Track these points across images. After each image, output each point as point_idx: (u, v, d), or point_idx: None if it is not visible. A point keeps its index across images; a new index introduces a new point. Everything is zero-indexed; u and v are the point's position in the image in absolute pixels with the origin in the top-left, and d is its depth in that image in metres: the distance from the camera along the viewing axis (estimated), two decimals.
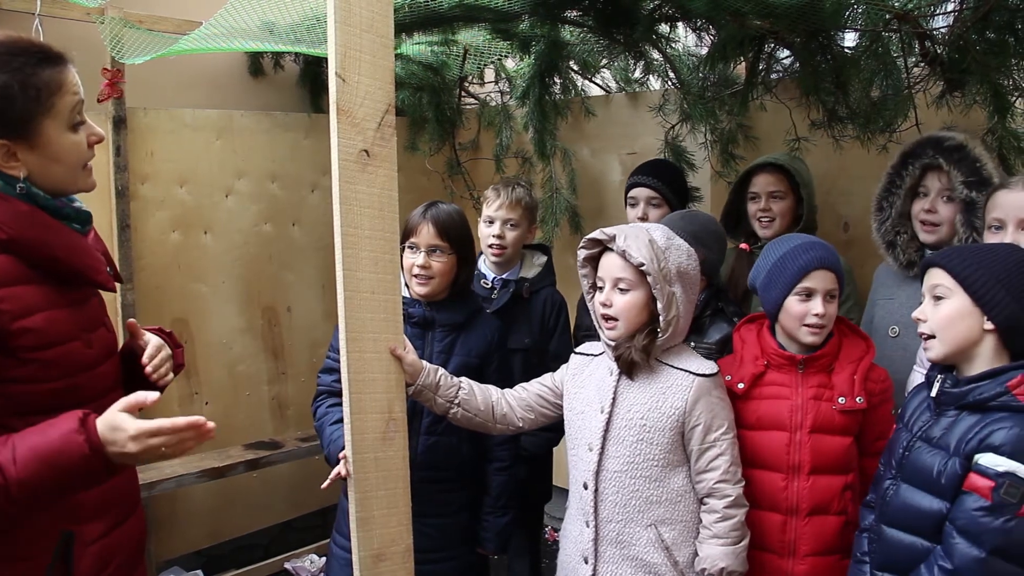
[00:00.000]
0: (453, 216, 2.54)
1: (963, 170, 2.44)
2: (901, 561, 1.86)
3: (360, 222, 1.82)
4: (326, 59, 1.82)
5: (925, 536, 1.82)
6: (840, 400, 2.20)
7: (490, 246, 3.00)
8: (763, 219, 2.94)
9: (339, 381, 1.92)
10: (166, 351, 1.94)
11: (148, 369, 1.87)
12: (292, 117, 4.30)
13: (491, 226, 3.01)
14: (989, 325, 1.79)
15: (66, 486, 1.56)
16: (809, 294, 2.18)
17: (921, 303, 2.49)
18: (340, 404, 1.98)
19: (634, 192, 3.15)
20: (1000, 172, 2.47)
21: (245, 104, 4.27)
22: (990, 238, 2.25)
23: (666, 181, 3.12)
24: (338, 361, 1.89)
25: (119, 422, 1.54)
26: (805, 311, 2.18)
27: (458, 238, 2.52)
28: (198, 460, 3.60)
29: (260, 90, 4.45)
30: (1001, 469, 1.68)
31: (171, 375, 1.95)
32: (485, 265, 3.09)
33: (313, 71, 4.45)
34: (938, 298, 1.85)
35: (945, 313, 1.83)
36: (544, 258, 3.15)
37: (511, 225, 3.00)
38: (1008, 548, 1.67)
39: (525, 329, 3.01)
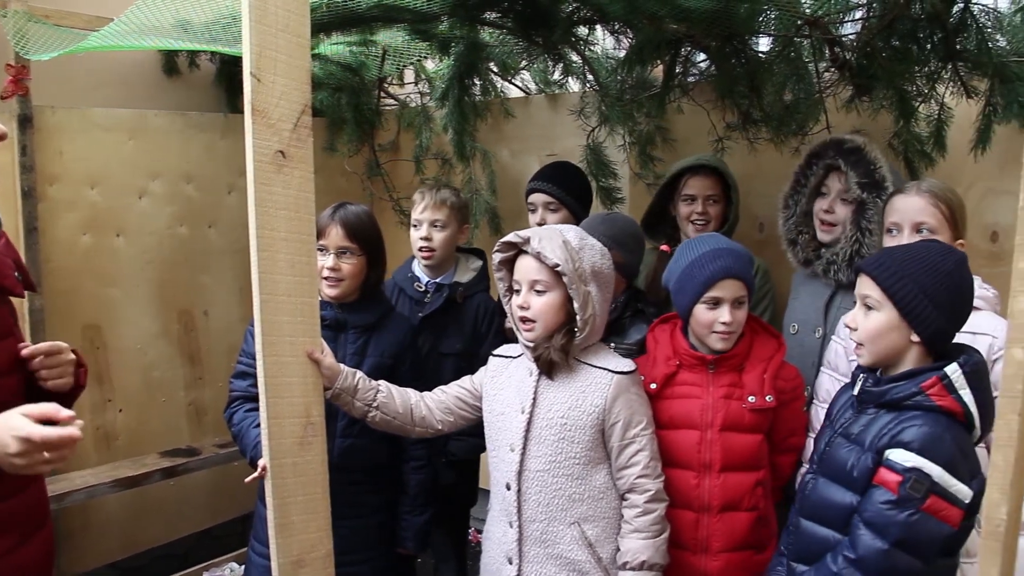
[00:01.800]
0: (362, 217, 2.53)
1: (859, 171, 2.51)
2: (815, 553, 1.89)
3: (276, 224, 1.79)
4: (242, 59, 1.79)
5: (837, 528, 1.86)
6: (750, 399, 2.24)
7: (419, 249, 2.99)
8: (698, 222, 2.96)
9: (254, 386, 1.89)
10: (67, 355, 1.86)
11: (34, 363, 1.78)
12: (208, 117, 4.21)
13: (418, 229, 2.99)
14: (916, 338, 1.83)
15: None
16: (716, 302, 2.23)
17: (819, 302, 2.60)
18: (258, 409, 1.95)
19: (532, 198, 3.15)
20: (895, 175, 2.55)
21: (159, 103, 4.17)
22: (888, 241, 2.32)
23: (563, 185, 3.11)
24: (251, 366, 1.86)
25: (12, 421, 1.49)
26: (713, 319, 2.23)
27: (367, 239, 2.51)
28: (111, 469, 3.51)
29: (175, 89, 4.34)
30: (908, 464, 1.72)
31: (65, 379, 1.85)
32: (419, 268, 3.08)
33: (230, 70, 4.36)
34: (868, 307, 1.88)
35: (873, 326, 1.87)
36: (479, 263, 3.14)
37: (438, 226, 2.98)
38: (910, 541, 1.71)
39: (458, 334, 3.01)
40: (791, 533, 2.01)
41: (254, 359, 1.87)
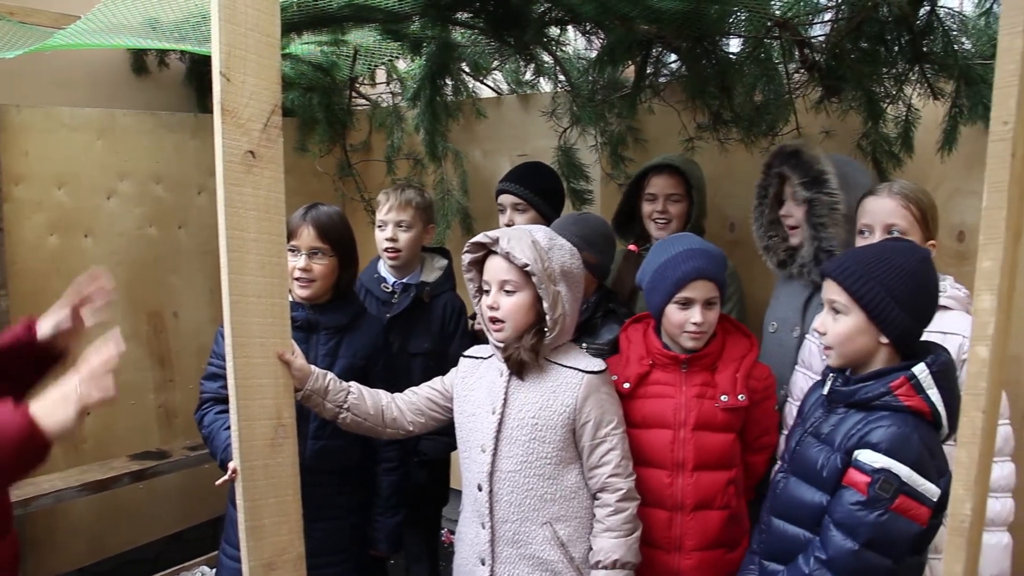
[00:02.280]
0: (334, 218, 2.52)
1: (799, 173, 2.54)
2: (786, 551, 1.91)
3: (246, 225, 1.78)
4: (211, 58, 1.77)
5: (807, 527, 1.87)
6: (723, 398, 2.26)
7: (385, 250, 2.98)
8: (659, 220, 2.96)
9: (225, 387, 1.88)
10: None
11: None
12: (177, 117, 4.17)
13: (384, 229, 2.98)
14: (884, 340, 1.85)
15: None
16: (688, 303, 2.24)
17: (797, 302, 2.62)
18: (228, 411, 1.93)
19: (501, 198, 3.16)
20: (851, 168, 2.57)
21: (128, 103, 4.13)
22: (859, 242, 2.33)
23: (531, 186, 3.11)
24: (221, 367, 1.85)
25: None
26: (685, 319, 2.24)
27: (339, 240, 2.50)
28: (79, 473, 3.47)
29: (144, 89, 4.31)
30: (877, 465, 1.74)
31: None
32: (384, 269, 3.07)
33: (200, 70, 4.34)
34: (836, 311, 1.89)
35: (842, 330, 1.87)
36: (444, 262, 3.14)
37: (404, 227, 2.98)
38: (880, 540, 1.73)
39: (425, 333, 3.00)
40: (763, 532, 2.03)
41: (224, 360, 1.85)
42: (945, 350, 1.86)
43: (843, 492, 1.79)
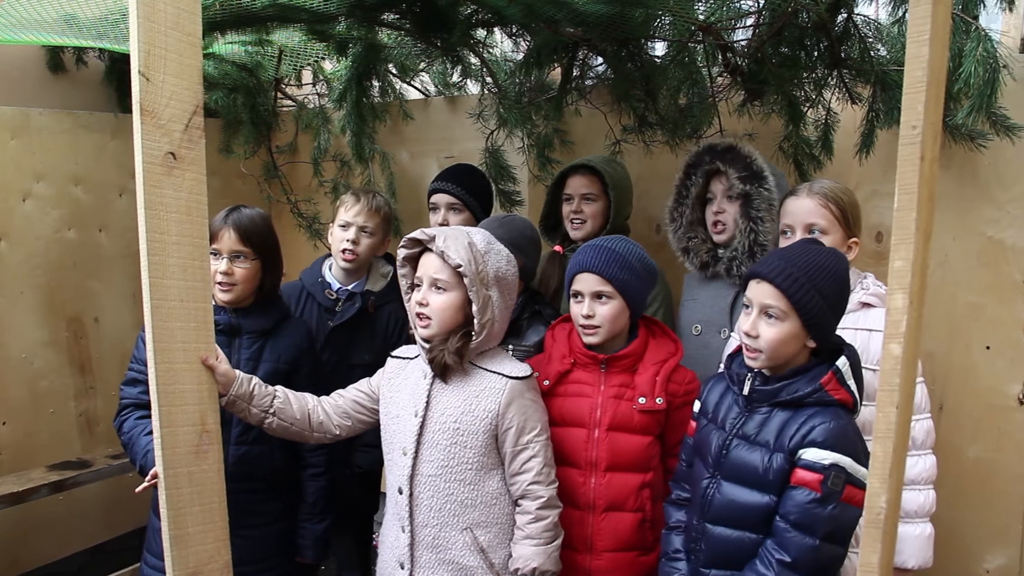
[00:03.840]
0: (256, 220, 2.49)
1: (737, 167, 2.59)
2: (730, 556, 1.92)
3: (167, 228, 1.75)
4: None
5: (751, 529, 1.89)
6: (640, 400, 2.25)
7: (343, 251, 2.94)
8: (575, 221, 2.97)
9: (146, 392, 1.83)
10: None
11: None
12: (97, 117, 4.07)
13: (346, 230, 2.95)
14: (812, 344, 1.89)
15: None
16: (578, 296, 2.27)
17: (723, 303, 2.66)
18: (149, 416, 1.89)
19: (435, 198, 3.16)
20: (771, 166, 2.64)
21: (44, 102, 4.00)
22: (783, 242, 2.37)
23: (467, 187, 3.13)
24: (142, 372, 1.81)
25: None
26: (577, 312, 2.27)
27: (261, 243, 2.47)
28: None
29: (61, 87, 4.17)
30: (827, 462, 1.78)
31: None
32: (330, 273, 3.03)
33: (120, 68, 4.21)
34: (770, 316, 1.88)
35: (777, 336, 1.87)
36: (389, 268, 3.11)
37: (367, 233, 2.96)
38: (836, 532, 1.78)
39: (367, 345, 2.98)
40: (697, 540, 2.01)
41: (146, 365, 1.81)
42: (846, 341, 1.93)
43: (794, 493, 1.81)
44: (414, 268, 2.21)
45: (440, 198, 3.13)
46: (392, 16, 2.92)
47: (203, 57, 1.87)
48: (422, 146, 4.20)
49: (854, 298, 2.23)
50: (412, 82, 4.22)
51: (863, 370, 1.93)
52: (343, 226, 2.97)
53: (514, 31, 3.16)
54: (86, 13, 2.84)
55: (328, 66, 4.34)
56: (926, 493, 2.24)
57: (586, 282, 2.25)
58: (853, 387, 1.86)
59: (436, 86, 4.19)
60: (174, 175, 1.75)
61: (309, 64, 4.19)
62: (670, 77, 3.00)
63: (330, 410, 2.29)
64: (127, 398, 2.45)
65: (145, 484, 2.14)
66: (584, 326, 2.27)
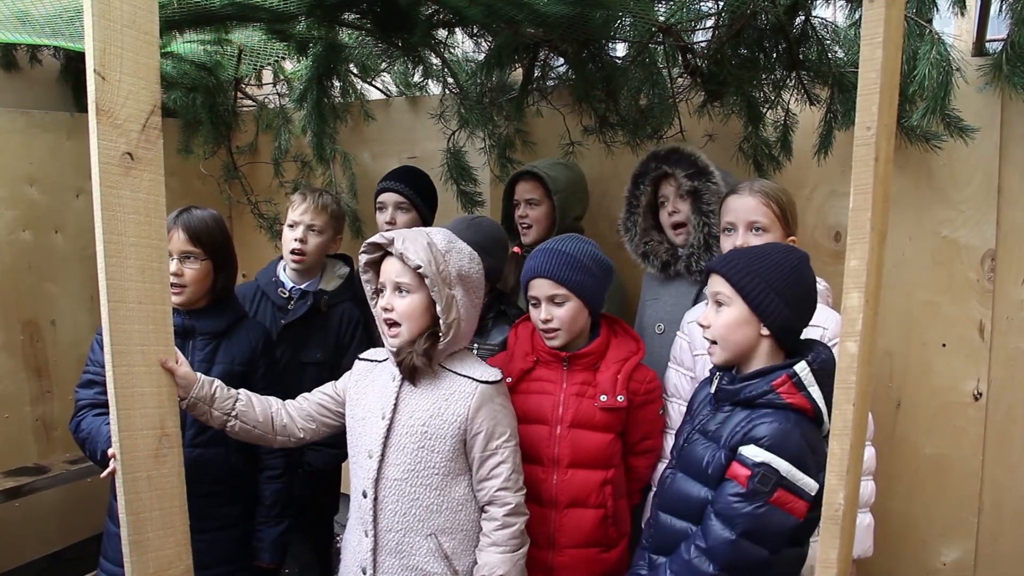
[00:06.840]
0: (207, 221, 2.46)
1: (683, 166, 2.65)
2: (673, 544, 1.94)
3: (124, 229, 1.72)
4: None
5: (693, 521, 1.91)
6: (602, 398, 2.28)
7: (291, 251, 2.93)
8: (522, 224, 3.06)
9: (103, 392, 1.80)
10: None
11: None
12: (52, 116, 4.00)
13: (293, 230, 2.94)
14: (765, 331, 1.91)
15: None
16: (535, 301, 2.30)
17: (686, 301, 2.69)
18: (107, 413, 1.85)
19: (383, 197, 3.19)
20: (713, 163, 2.68)
21: None
22: (725, 240, 2.42)
23: (414, 187, 3.17)
24: (99, 374, 1.78)
25: None
26: (536, 317, 2.30)
27: (212, 244, 2.45)
28: None
29: (14, 85, 4.10)
30: (758, 460, 1.79)
31: None
32: (284, 273, 3.02)
33: (76, 67, 4.14)
34: (719, 304, 1.95)
35: (724, 321, 1.93)
36: (346, 269, 3.10)
37: (315, 231, 2.95)
38: (756, 532, 1.78)
39: (320, 343, 2.96)
40: (651, 526, 2.06)
41: (103, 367, 1.78)
42: (827, 348, 1.93)
43: (725, 484, 1.84)
44: (377, 273, 2.19)
45: (388, 197, 3.16)
46: (353, 16, 2.90)
47: (161, 56, 1.84)
48: (384, 146, 4.18)
49: None
50: (373, 82, 4.20)
51: None
52: (291, 226, 2.97)
53: (475, 31, 3.17)
54: (40, 10, 2.79)
55: (288, 66, 4.31)
56: (866, 483, 2.29)
57: (540, 288, 2.29)
58: (815, 394, 1.85)
59: (397, 86, 4.18)
60: (131, 176, 1.73)
61: (269, 64, 4.15)
62: (631, 78, 3.02)
63: (294, 413, 2.26)
64: (83, 399, 2.40)
65: (109, 471, 2.08)
66: (544, 330, 2.30)
